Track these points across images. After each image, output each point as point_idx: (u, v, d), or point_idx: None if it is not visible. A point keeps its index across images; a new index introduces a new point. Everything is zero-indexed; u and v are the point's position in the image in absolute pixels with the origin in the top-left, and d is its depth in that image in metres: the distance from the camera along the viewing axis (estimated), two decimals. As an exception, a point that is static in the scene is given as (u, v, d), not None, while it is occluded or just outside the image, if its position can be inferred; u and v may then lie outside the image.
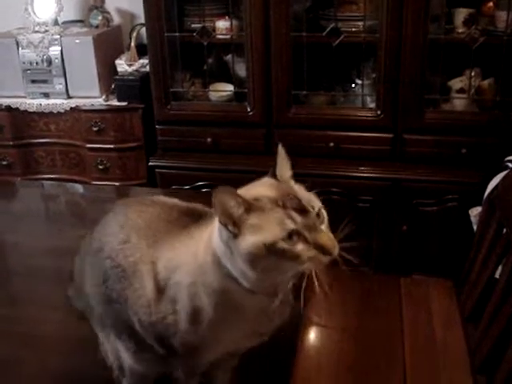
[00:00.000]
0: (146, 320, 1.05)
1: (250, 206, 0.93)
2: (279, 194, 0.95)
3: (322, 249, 0.93)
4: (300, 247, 0.92)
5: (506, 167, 2.26)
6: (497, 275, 1.83)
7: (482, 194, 2.19)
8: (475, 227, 2.24)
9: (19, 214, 2.16)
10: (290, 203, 0.94)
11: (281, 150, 1.02)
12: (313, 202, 0.97)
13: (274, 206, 0.93)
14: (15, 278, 1.74)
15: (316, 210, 0.95)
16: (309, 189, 1.01)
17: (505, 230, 1.84)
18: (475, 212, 2.34)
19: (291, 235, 0.91)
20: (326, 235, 0.94)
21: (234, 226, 0.93)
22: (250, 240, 0.92)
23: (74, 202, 2.36)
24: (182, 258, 1.04)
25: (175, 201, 1.20)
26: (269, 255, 0.91)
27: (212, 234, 1.00)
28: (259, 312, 1.02)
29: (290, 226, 0.92)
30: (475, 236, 2.07)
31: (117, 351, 1.17)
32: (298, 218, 0.92)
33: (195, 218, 1.10)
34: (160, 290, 1.04)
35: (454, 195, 2.65)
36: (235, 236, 0.93)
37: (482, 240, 1.97)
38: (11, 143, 3.36)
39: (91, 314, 1.19)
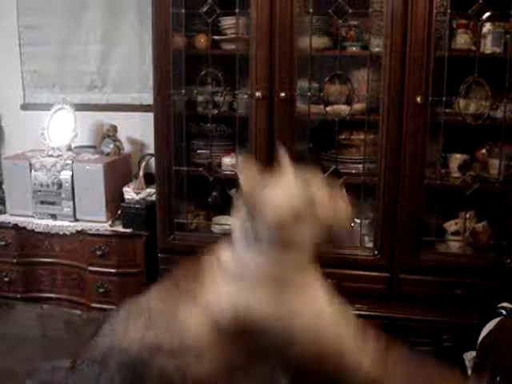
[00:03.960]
0: None
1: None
2: None
3: None
4: None
5: (500, 314, 2.30)
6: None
7: (477, 336, 2.22)
8: (469, 371, 2.25)
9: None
10: None
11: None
12: None
13: None
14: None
15: None
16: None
17: (498, 379, 1.87)
18: (470, 356, 2.36)
19: None
20: None
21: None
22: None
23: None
24: None
25: None
26: None
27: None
28: None
29: None
30: (470, 384, 2.08)
31: None
32: None
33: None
34: None
35: (449, 335, 2.65)
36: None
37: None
38: (15, 260, 3.40)
39: None
